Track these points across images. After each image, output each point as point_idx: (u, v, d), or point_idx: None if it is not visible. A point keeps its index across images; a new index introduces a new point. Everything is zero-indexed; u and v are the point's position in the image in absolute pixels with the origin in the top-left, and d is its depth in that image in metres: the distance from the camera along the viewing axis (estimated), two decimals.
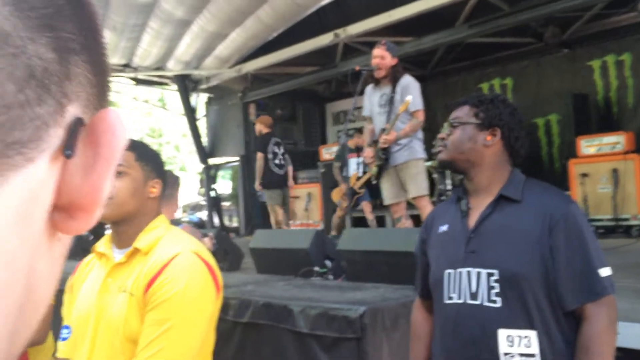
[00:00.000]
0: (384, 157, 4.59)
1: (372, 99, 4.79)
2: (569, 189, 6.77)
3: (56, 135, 0.28)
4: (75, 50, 0.30)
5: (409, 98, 4.40)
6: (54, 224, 0.30)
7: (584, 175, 6.71)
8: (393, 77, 4.60)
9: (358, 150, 7.51)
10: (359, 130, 8.76)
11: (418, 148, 4.65)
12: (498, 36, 8.16)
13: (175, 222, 2.66)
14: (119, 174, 1.57)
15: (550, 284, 1.49)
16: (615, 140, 6.68)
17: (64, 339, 1.65)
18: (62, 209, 0.30)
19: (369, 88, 4.82)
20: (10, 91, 0.25)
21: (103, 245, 1.64)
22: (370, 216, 7.51)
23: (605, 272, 1.51)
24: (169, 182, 2.80)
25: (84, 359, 1.52)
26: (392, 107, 4.57)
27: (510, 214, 1.58)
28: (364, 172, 6.32)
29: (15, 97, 0.25)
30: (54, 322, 1.93)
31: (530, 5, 6.76)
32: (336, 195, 7.56)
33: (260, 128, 7.78)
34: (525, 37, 8.53)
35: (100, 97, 0.33)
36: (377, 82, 4.70)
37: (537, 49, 8.67)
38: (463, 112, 1.71)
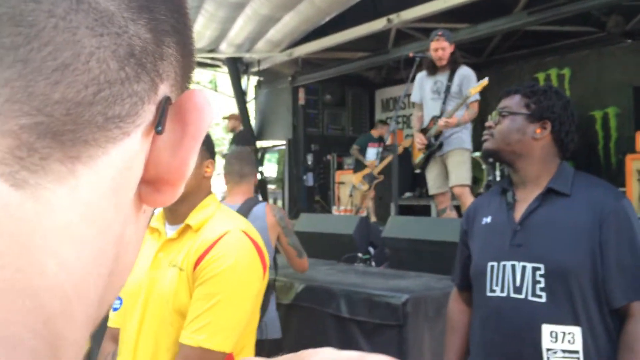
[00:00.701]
0: (438, 144, 4.57)
1: (424, 86, 4.76)
2: (624, 186, 6.51)
3: (150, 112, 0.30)
4: (168, 31, 0.31)
5: (485, 80, 4.41)
6: (141, 196, 0.32)
7: None
8: (452, 64, 4.59)
9: (380, 140, 7.45)
10: (383, 122, 8.71)
11: (466, 138, 4.65)
12: (558, 24, 7.87)
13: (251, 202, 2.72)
14: None
15: (597, 280, 1.46)
16: None
17: (116, 309, 1.71)
18: (149, 182, 0.32)
19: (421, 75, 4.79)
20: (113, 68, 0.27)
21: (156, 220, 1.69)
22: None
23: None
24: (250, 160, 2.87)
25: (135, 329, 1.57)
26: (447, 94, 4.58)
27: (558, 207, 1.54)
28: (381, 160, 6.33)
29: (118, 74, 0.27)
30: None
31: None
32: (356, 179, 7.57)
33: (235, 125, 8.15)
34: (587, 26, 8.20)
35: (186, 78, 0.34)
36: (431, 69, 4.67)
37: (599, 38, 8.33)
38: (513, 102, 1.66)
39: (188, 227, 1.61)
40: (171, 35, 0.31)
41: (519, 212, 1.60)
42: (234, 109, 11.30)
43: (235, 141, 9.45)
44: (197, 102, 0.32)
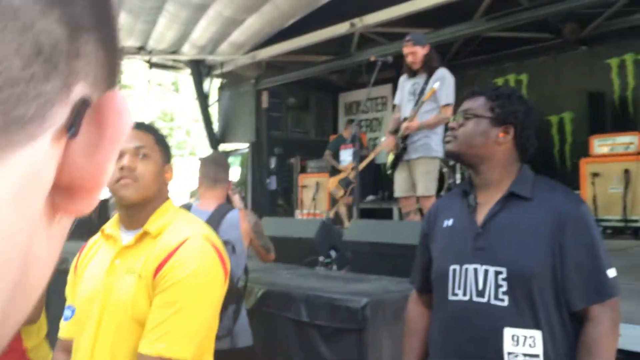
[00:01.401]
0: (402, 147, 4.54)
1: (404, 88, 4.72)
2: (579, 189, 6.71)
3: (61, 113, 0.28)
4: (86, 27, 0.28)
5: (435, 86, 4.33)
6: (55, 205, 0.30)
7: (595, 174, 6.65)
8: (429, 67, 4.55)
9: (353, 141, 7.51)
10: (352, 121, 8.74)
11: (434, 145, 4.53)
12: (516, 31, 8.06)
13: (187, 207, 2.68)
14: (144, 156, 1.58)
15: (557, 284, 1.48)
16: (629, 141, 6.60)
17: (67, 319, 1.66)
18: (63, 189, 0.29)
19: (403, 77, 4.77)
20: (16, 66, 0.25)
21: (111, 227, 1.65)
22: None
23: (612, 273, 1.51)
24: (225, 165, 2.82)
25: (90, 339, 1.53)
26: (420, 96, 4.52)
27: (520, 211, 1.55)
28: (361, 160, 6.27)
29: (21, 73, 0.25)
30: (56, 301, 1.95)
31: (550, 0, 6.67)
32: (332, 184, 7.55)
33: None
34: (544, 32, 8.42)
35: (109, 78, 0.32)
36: (410, 72, 4.65)
37: (555, 45, 8.57)
38: (478, 104, 1.66)
39: (146, 233, 1.57)
40: (90, 31, 0.29)
41: (480, 215, 1.60)
42: (197, 112, 11.18)
43: None
44: (116, 105, 0.31)
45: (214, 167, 2.75)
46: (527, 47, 8.91)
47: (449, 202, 1.76)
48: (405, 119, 4.55)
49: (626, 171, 6.43)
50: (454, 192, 1.79)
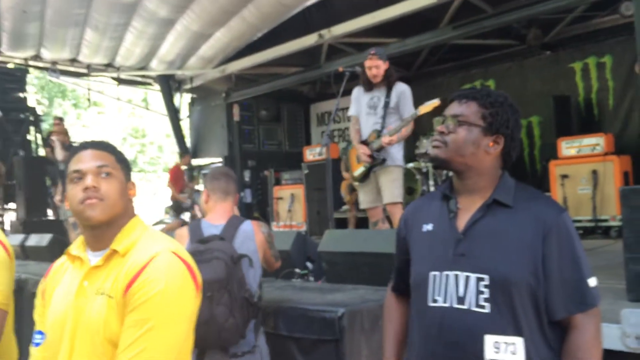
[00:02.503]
0: (382, 158, 4.63)
1: (360, 101, 4.82)
2: (549, 190, 6.83)
3: None
4: None
5: (436, 101, 4.48)
6: None
7: (564, 176, 6.78)
8: (387, 81, 4.68)
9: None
10: None
11: (397, 155, 4.72)
12: (481, 38, 8.22)
13: (197, 222, 2.65)
14: (107, 175, 1.56)
15: (538, 292, 1.47)
16: (596, 142, 6.76)
17: (37, 345, 1.62)
18: None
19: (358, 89, 4.85)
20: None
21: (76, 248, 1.62)
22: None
23: (593, 282, 1.50)
24: (234, 178, 2.78)
25: None
26: (386, 110, 4.65)
27: (502, 219, 1.53)
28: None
29: None
30: (27, 326, 1.90)
31: (513, 7, 6.81)
32: (343, 188, 7.65)
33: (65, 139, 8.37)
34: (508, 39, 8.60)
35: None
36: (367, 85, 4.74)
37: (520, 51, 8.75)
38: (470, 110, 1.59)
39: (114, 252, 1.54)
40: None
41: (461, 221, 1.58)
42: (168, 127, 11.10)
43: None
44: None
45: (225, 179, 2.71)
46: (492, 54, 9.08)
47: (427, 205, 1.72)
48: (377, 131, 4.63)
49: (594, 172, 6.57)
50: (432, 194, 1.74)
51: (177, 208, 9.27)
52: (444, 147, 1.59)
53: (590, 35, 8.14)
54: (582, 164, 6.71)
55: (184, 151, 10.16)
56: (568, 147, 6.94)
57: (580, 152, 6.83)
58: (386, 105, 4.65)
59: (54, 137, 8.23)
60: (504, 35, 8.44)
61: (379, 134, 4.64)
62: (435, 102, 4.48)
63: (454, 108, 1.62)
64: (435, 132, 1.66)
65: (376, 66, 4.65)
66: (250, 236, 2.58)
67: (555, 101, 7.81)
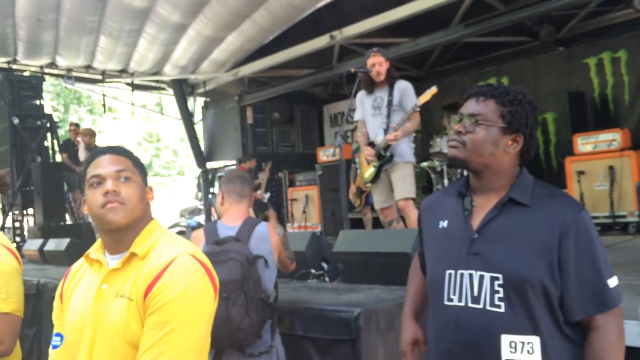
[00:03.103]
0: (390, 155, 4.64)
1: (364, 104, 4.87)
2: (565, 187, 6.78)
3: None
4: None
5: (433, 88, 4.51)
6: None
7: (581, 172, 6.72)
8: (389, 79, 4.69)
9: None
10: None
11: (407, 150, 4.73)
12: (494, 35, 8.17)
13: (213, 224, 2.69)
14: (126, 179, 1.58)
15: (553, 292, 1.45)
16: (612, 138, 6.69)
17: (56, 347, 1.65)
18: None
19: (361, 93, 4.89)
20: None
21: (95, 251, 1.64)
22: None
23: (613, 282, 1.47)
24: (249, 180, 2.82)
25: None
26: (390, 108, 4.65)
27: (518, 218, 1.51)
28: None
29: None
30: (47, 329, 1.93)
31: (525, 4, 6.77)
32: (350, 194, 7.65)
33: (90, 142, 8.52)
34: (521, 35, 8.54)
35: None
36: (369, 87, 4.78)
37: (533, 47, 8.69)
38: (488, 109, 1.55)
39: (133, 255, 1.57)
40: None
41: (476, 220, 1.56)
42: (182, 131, 11.17)
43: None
44: None
45: (240, 181, 2.74)
46: (505, 51, 9.03)
47: (442, 199, 1.70)
48: (385, 130, 4.65)
49: (611, 168, 6.50)
50: (449, 189, 1.71)
51: (258, 207, 9.22)
52: (462, 147, 1.56)
53: (604, 31, 8.05)
54: (598, 160, 6.64)
55: (249, 154, 9.99)
56: (584, 143, 6.88)
57: (597, 148, 6.76)
58: (389, 103, 4.68)
59: (79, 139, 8.34)
60: (516, 32, 8.39)
61: (385, 133, 4.66)
62: (433, 90, 4.50)
63: (471, 106, 1.58)
64: (452, 132, 1.62)
65: (379, 63, 4.68)
66: (266, 237, 2.60)
67: (570, 97, 7.74)
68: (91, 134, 8.59)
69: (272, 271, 2.57)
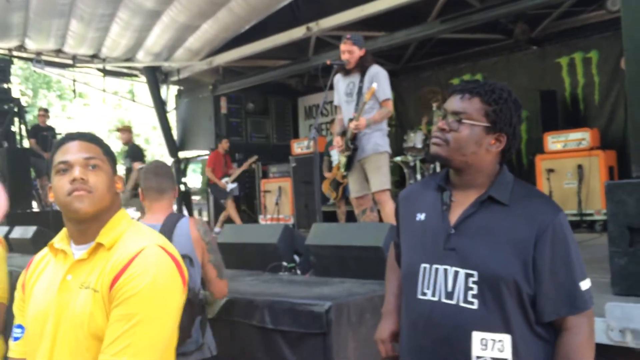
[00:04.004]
0: (353, 147, 4.61)
1: (339, 89, 4.81)
2: (535, 184, 6.88)
3: None
4: None
5: (374, 85, 4.44)
6: None
7: (550, 170, 6.83)
8: (361, 66, 4.65)
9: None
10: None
11: (381, 142, 4.67)
12: (469, 32, 8.23)
13: None
14: (95, 167, 1.53)
15: (526, 291, 1.45)
16: (581, 137, 6.81)
17: (17, 339, 1.60)
18: None
19: (337, 77, 4.84)
20: None
21: (60, 241, 1.59)
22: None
23: (586, 284, 1.48)
24: (168, 174, 2.71)
25: (45, 357, 1.48)
26: (360, 96, 4.62)
27: (495, 216, 1.51)
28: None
29: None
30: (9, 320, 1.88)
31: (501, 1, 6.83)
32: (325, 187, 7.62)
33: (128, 138, 8.65)
34: (496, 33, 8.62)
35: None
36: (346, 72, 4.73)
37: (507, 45, 8.78)
38: (473, 107, 1.53)
39: (100, 245, 1.52)
40: None
41: (454, 215, 1.55)
42: (155, 120, 11.02)
43: (127, 155, 9.33)
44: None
45: (155, 177, 2.62)
46: (480, 48, 9.11)
47: (421, 192, 1.69)
48: (350, 120, 4.60)
49: (579, 166, 6.63)
50: (428, 181, 1.70)
51: (219, 194, 9.19)
52: (445, 145, 1.55)
53: (576, 31, 8.18)
54: (567, 159, 6.77)
55: (222, 135, 9.91)
56: (554, 141, 7.00)
57: (566, 146, 6.88)
58: (359, 90, 4.62)
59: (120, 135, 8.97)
60: (491, 29, 8.47)
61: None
62: (372, 88, 4.42)
63: (456, 103, 1.56)
64: (435, 128, 1.60)
65: (349, 51, 4.62)
66: (186, 232, 2.50)
67: (541, 96, 7.86)
68: (129, 130, 8.70)
69: (197, 269, 2.49)
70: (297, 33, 8.25)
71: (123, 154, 9.87)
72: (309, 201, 8.28)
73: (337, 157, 6.60)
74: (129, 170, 9.12)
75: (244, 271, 3.83)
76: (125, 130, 9.70)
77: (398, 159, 7.48)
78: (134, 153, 9.28)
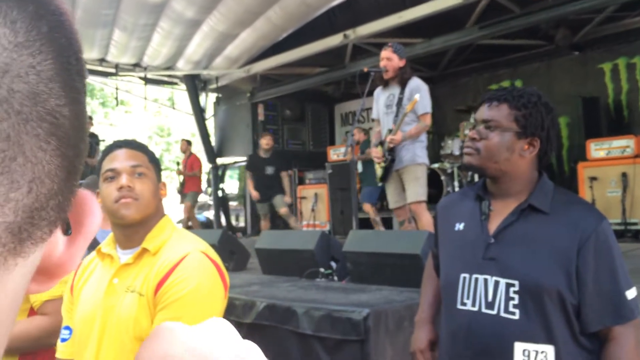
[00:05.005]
0: (390, 159, 4.60)
1: (379, 101, 4.81)
2: (577, 193, 6.72)
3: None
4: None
5: (416, 97, 4.41)
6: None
7: (593, 178, 6.66)
8: (401, 78, 4.63)
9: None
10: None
11: (420, 153, 4.65)
12: (509, 38, 8.12)
13: None
14: (140, 175, 1.58)
15: (570, 301, 1.42)
16: (625, 144, 6.62)
17: (64, 340, 1.65)
18: (37, 271, 0.34)
19: (378, 90, 4.83)
20: (49, 186, 0.31)
21: (106, 246, 1.64)
22: (375, 217, 7.57)
23: (632, 294, 1.45)
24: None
25: (91, 359, 1.52)
26: (399, 108, 4.60)
27: (536, 224, 1.48)
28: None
29: (52, 195, 0.31)
30: None
31: (542, 7, 6.72)
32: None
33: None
34: (536, 39, 8.48)
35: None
36: (385, 83, 4.72)
37: (548, 51, 8.63)
38: (501, 114, 1.52)
39: (145, 250, 1.57)
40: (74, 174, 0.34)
41: (493, 224, 1.53)
42: (193, 127, 11.20)
43: None
44: (89, 207, 0.36)
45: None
46: (520, 54, 8.97)
47: (460, 201, 1.68)
48: (390, 131, 4.59)
49: (623, 174, 6.44)
50: (467, 191, 1.68)
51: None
52: (476, 154, 1.54)
53: (620, 36, 7.99)
54: (611, 166, 6.58)
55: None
56: (597, 148, 6.82)
57: (610, 154, 6.70)
58: (399, 102, 4.60)
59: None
60: (531, 35, 8.33)
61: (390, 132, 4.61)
62: (415, 99, 4.38)
63: (485, 112, 1.56)
64: (466, 138, 1.61)
65: (388, 58, 4.59)
66: None
67: (584, 102, 7.69)
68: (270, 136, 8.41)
69: None
70: (333, 41, 8.28)
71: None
72: (345, 208, 8.27)
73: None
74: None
75: (281, 277, 3.86)
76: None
77: (435, 165, 7.42)
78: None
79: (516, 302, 1.45)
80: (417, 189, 4.57)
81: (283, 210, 7.96)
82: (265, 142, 8.14)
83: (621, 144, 6.65)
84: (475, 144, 1.55)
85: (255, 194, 8.02)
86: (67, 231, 0.35)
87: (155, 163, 1.66)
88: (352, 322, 2.40)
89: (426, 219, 4.43)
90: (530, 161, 1.55)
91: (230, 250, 4.66)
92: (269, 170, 8.05)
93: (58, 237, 0.34)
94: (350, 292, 3.01)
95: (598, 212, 1.54)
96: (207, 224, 11.71)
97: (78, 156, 0.34)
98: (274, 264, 4.12)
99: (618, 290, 1.44)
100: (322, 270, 3.75)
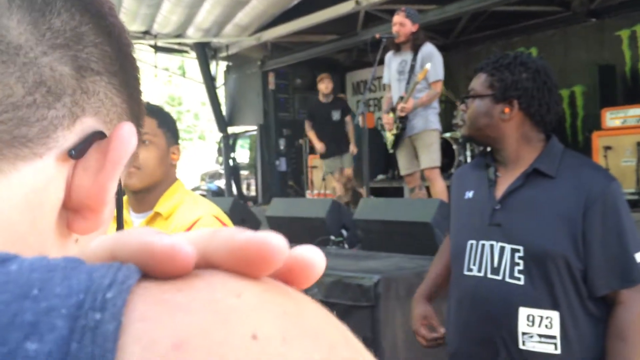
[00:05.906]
0: (402, 127, 4.57)
1: (391, 66, 4.75)
2: None
3: (67, 138, 0.32)
4: (96, 71, 0.34)
5: (427, 66, 4.36)
6: (68, 224, 0.34)
7: (608, 148, 6.58)
8: (414, 44, 4.56)
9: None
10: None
11: (433, 119, 4.62)
12: (524, 4, 7.95)
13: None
14: (144, 142, 1.57)
15: (577, 265, 1.41)
16: None
17: None
18: (74, 209, 0.33)
19: (389, 55, 4.77)
20: (18, 93, 0.30)
21: None
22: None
23: None
24: None
25: None
26: (412, 75, 4.55)
27: (542, 189, 1.47)
28: None
29: (24, 99, 0.30)
30: None
31: None
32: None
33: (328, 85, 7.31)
34: (552, 5, 8.30)
35: (123, 117, 0.37)
36: (397, 49, 4.65)
37: (564, 18, 8.44)
38: (479, 83, 1.58)
39: (157, 214, 1.58)
40: (101, 74, 0.34)
41: (499, 190, 1.54)
42: (204, 95, 11.16)
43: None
44: (121, 133, 0.35)
45: None
46: (535, 21, 8.78)
47: (471, 171, 1.70)
48: (401, 98, 4.54)
49: (639, 144, 6.36)
50: (479, 161, 1.69)
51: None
52: (464, 124, 1.63)
53: (638, 2, 7.78)
54: (626, 136, 6.49)
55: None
56: (612, 117, 6.72)
57: (625, 122, 6.60)
58: (412, 68, 4.54)
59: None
60: (547, 1, 8.15)
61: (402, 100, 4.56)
62: (425, 69, 4.34)
63: (470, 84, 1.63)
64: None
65: (401, 23, 4.52)
66: None
67: (600, 70, 7.55)
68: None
69: None
70: (345, 7, 8.15)
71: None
72: (356, 176, 8.26)
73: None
74: None
75: (292, 244, 3.88)
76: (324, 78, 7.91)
77: (447, 134, 7.37)
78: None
79: (521, 267, 1.46)
80: (431, 155, 4.54)
81: (348, 172, 7.04)
82: (324, 85, 7.12)
83: (637, 113, 6.55)
84: (463, 116, 1.63)
85: (320, 145, 6.96)
86: (69, 152, 0.33)
87: (166, 127, 1.64)
88: (363, 289, 2.42)
89: (440, 185, 4.42)
90: (517, 123, 1.54)
91: (241, 218, 4.69)
92: (335, 115, 7.01)
93: (81, 168, 0.33)
94: (361, 259, 3.03)
95: (607, 173, 1.54)
96: (218, 193, 11.77)
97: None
98: (284, 231, 4.11)
99: (626, 253, 1.42)
100: (332, 237, 3.78)
